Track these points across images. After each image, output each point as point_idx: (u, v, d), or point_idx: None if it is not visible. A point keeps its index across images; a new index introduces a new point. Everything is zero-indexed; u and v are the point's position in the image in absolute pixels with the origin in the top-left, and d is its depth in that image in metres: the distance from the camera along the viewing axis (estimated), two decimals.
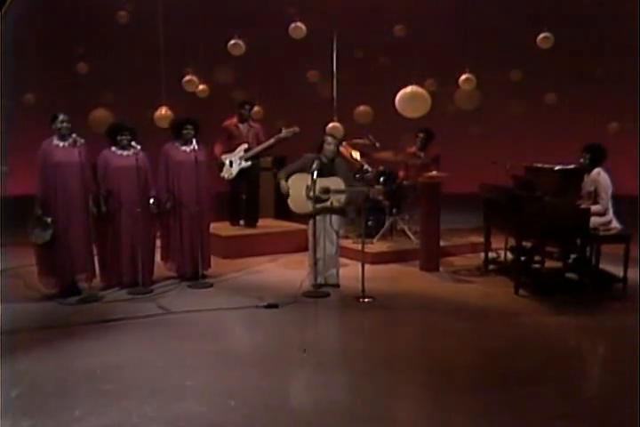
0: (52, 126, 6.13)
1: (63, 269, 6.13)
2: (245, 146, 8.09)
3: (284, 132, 8.04)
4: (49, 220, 5.97)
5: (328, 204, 6.35)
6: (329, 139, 6.52)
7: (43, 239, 5.98)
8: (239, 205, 8.35)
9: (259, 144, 8.14)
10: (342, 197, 6.36)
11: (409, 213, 8.42)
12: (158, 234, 6.83)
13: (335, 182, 6.34)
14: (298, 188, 6.43)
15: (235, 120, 8.24)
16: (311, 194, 6.25)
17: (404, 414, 3.97)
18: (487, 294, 6.42)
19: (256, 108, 8.57)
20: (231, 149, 8.11)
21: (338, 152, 6.73)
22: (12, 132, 10.84)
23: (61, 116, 6.12)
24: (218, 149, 8.17)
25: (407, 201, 8.41)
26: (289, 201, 6.53)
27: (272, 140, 8.10)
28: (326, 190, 6.30)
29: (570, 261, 6.76)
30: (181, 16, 10.96)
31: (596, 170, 6.55)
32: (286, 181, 6.48)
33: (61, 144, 6.12)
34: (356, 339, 5.16)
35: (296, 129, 8.01)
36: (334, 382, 4.32)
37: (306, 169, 6.38)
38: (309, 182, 6.27)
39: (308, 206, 6.37)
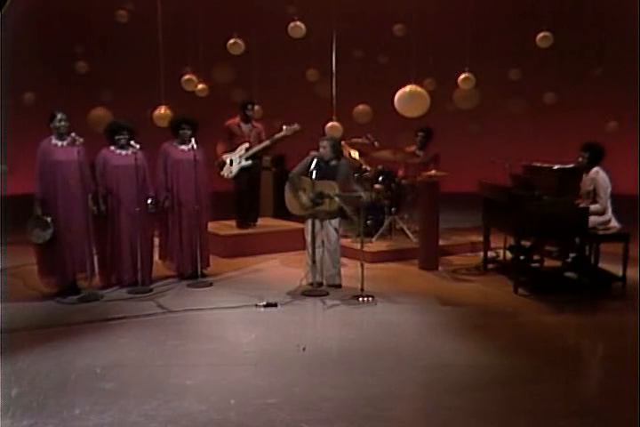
0: (50, 125, 6.13)
1: (63, 268, 6.13)
2: (247, 145, 8.09)
3: (285, 130, 8.03)
4: (49, 219, 5.97)
5: (324, 207, 6.32)
6: (323, 142, 6.43)
7: (43, 239, 5.98)
8: (246, 207, 8.34)
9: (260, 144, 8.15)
10: (335, 203, 6.30)
11: (408, 212, 8.44)
12: (156, 233, 6.84)
13: (329, 187, 6.27)
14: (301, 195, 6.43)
15: (237, 120, 8.23)
16: (308, 196, 6.26)
17: (404, 413, 3.97)
18: (486, 293, 6.43)
19: (256, 108, 8.55)
20: (233, 149, 8.12)
21: (341, 153, 6.66)
22: (12, 131, 10.84)
23: (59, 115, 6.12)
24: (220, 148, 8.18)
25: (406, 200, 8.44)
26: (286, 203, 6.54)
27: (267, 142, 8.09)
28: (320, 195, 6.29)
29: (569, 260, 6.78)
30: (181, 15, 10.96)
31: (595, 169, 6.56)
32: (298, 179, 6.44)
33: (60, 143, 6.12)
34: (354, 338, 5.16)
35: (296, 127, 8.00)
36: (333, 380, 4.31)
37: (308, 169, 6.38)
38: (306, 185, 6.28)
39: (305, 208, 6.38)
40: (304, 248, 6.72)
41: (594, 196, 6.50)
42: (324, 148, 6.39)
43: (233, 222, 8.40)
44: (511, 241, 6.86)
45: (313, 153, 6.45)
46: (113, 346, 4.91)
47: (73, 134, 6.11)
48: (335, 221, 6.45)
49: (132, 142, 6.38)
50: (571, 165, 6.53)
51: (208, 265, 6.98)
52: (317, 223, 6.38)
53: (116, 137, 6.41)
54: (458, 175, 8.30)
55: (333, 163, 6.42)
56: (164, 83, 9.70)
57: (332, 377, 4.36)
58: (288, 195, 6.53)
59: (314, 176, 6.15)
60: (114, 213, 6.37)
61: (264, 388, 4.15)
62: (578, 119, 12.56)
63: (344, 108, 10.36)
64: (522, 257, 6.69)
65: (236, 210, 8.38)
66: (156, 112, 10.19)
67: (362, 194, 6.35)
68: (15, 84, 10.81)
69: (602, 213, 6.45)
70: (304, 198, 6.38)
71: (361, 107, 11.92)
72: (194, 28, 10.97)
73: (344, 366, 4.61)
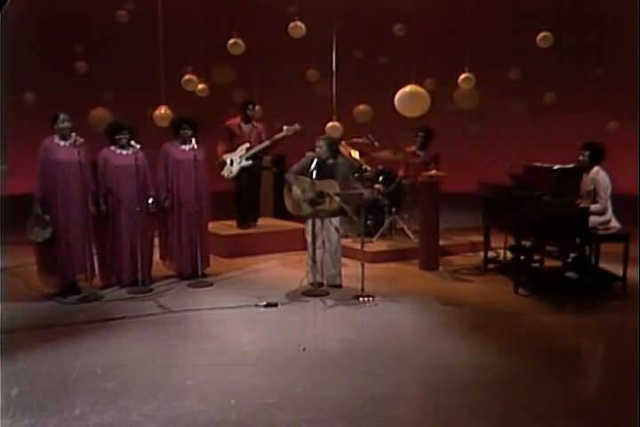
0: (53, 126, 6.13)
1: (63, 267, 6.13)
2: (247, 145, 8.09)
3: (286, 130, 8.03)
4: (48, 218, 5.98)
5: (325, 206, 6.32)
6: (319, 141, 6.42)
7: (42, 238, 5.98)
8: (246, 207, 8.34)
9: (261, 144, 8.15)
10: (336, 202, 6.31)
11: (408, 212, 8.44)
12: (156, 233, 6.84)
13: (330, 185, 6.28)
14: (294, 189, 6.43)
15: (237, 120, 8.23)
16: (308, 196, 6.26)
17: (404, 413, 3.97)
18: (487, 293, 6.43)
19: (256, 108, 8.55)
20: (233, 149, 8.12)
21: (337, 152, 6.68)
22: (12, 131, 10.84)
23: (62, 116, 6.13)
24: (220, 148, 8.18)
25: (406, 200, 8.44)
26: (286, 203, 6.55)
27: (268, 142, 8.09)
28: (321, 194, 6.29)
29: (569, 260, 6.78)
30: (181, 15, 10.97)
31: (595, 169, 6.56)
32: (295, 178, 6.45)
33: (62, 143, 6.12)
34: (355, 338, 5.16)
35: (297, 127, 8.00)
36: (333, 380, 4.31)
37: (307, 169, 6.37)
38: (305, 185, 6.28)
39: (305, 208, 6.38)
40: (304, 248, 6.72)
41: (594, 196, 6.50)
42: (321, 147, 6.39)
43: (233, 222, 8.41)
44: (511, 241, 6.87)
45: (309, 154, 6.46)
46: (113, 346, 4.91)
47: (74, 135, 6.11)
48: (336, 221, 6.44)
49: (133, 142, 6.38)
50: (571, 165, 6.53)
51: (208, 265, 6.99)
52: (318, 223, 6.39)
53: (117, 137, 6.42)
54: (458, 175, 8.29)
55: (331, 162, 6.42)
56: (164, 83, 9.69)
57: (333, 377, 4.36)
58: (286, 195, 6.53)
59: (314, 176, 6.15)
60: (114, 212, 6.38)
61: (264, 388, 4.16)
62: (578, 119, 12.56)
63: (344, 108, 10.35)
64: (522, 257, 6.69)
65: (237, 210, 8.38)
66: (157, 112, 10.19)
67: (363, 191, 6.36)
68: (15, 84, 10.81)
69: (602, 213, 6.45)
70: (297, 192, 6.36)
71: (361, 107, 11.92)
72: (194, 27, 10.97)
73: (344, 366, 4.61)
